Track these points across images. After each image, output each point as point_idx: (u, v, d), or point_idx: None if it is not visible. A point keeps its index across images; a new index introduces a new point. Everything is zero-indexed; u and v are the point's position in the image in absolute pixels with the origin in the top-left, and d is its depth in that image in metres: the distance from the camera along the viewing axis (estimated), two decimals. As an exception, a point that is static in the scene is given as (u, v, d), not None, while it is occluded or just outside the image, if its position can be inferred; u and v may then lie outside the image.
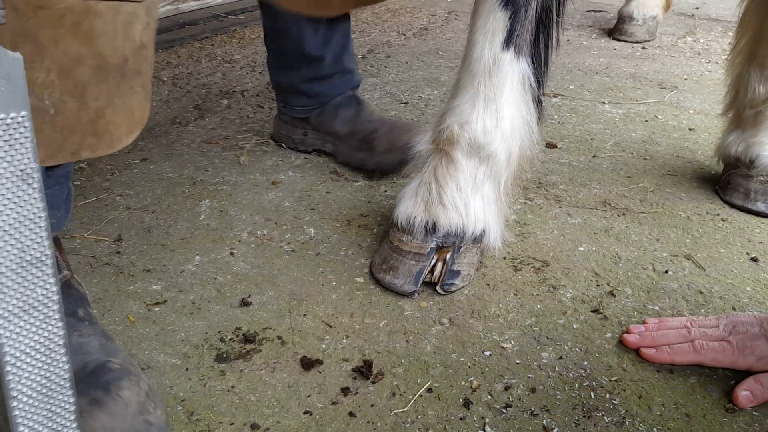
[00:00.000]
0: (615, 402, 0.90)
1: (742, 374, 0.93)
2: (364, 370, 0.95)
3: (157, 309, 1.09)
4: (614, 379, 0.94)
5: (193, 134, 1.76)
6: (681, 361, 0.95)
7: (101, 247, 1.24)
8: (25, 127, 0.54)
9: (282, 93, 1.63)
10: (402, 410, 0.89)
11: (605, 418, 0.88)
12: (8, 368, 0.56)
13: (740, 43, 1.43)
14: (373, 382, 0.93)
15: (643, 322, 1.02)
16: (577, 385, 0.93)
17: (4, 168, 0.53)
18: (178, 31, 2.75)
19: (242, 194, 1.45)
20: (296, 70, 1.56)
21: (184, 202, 1.42)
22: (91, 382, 0.81)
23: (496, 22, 1.05)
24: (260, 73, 2.28)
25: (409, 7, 3.29)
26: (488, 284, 1.16)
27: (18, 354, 0.57)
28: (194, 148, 1.68)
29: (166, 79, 2.21)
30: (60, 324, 0.59)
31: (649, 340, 0.98)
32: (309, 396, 0.91)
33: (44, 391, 0.59)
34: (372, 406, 0.90)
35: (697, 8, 3.27)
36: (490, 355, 0.99)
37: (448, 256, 1.13)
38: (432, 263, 1.14)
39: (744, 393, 0.89)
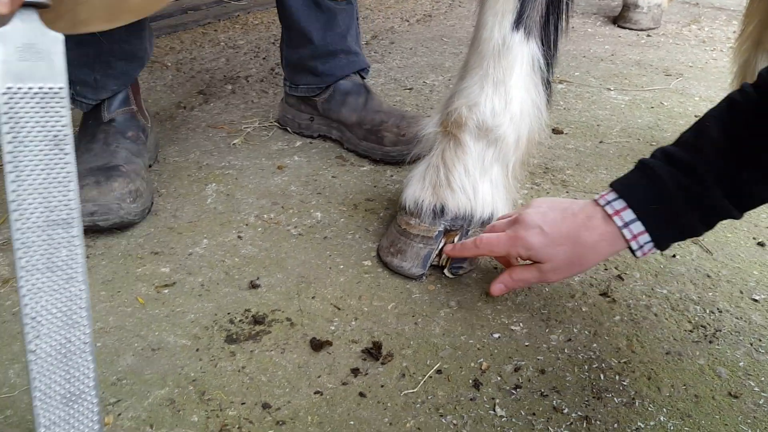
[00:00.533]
0: (624, 383, 0.91)
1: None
2: (374, 352, 0.95)
3: (166, 291, 1.09)
4: (623, 360, 0.95)
5: (198, 119, 1.76)
6: (466, 254, 1.05)
7: (110, 230, 1.24)
8: (61, 97, 0.60)
9: (289, 71, 1.63)
10: (412, 391, 0.89)
11: (615, 398, 0.88)
12: (27, 321, 0.57)
13: (747, 29, 1.43)
14: (382, 364, 0.94)
15: None
16: (586, 367, 0.94)
17: (39, 132, 0.56)
18: (180, 16, 2.74)
19: (248, 178, 1.45)
20: (301, 48, 1.56)
21: (191, 185, 1.41)
22: (102, 172, 1.23)
23: (506, 2, 1.04)
24: (264, 58, 2.27)
25: (413, -7, 3.27)
26: (496, 267, 1.16)
27: (39, 310, 0.58)
28: (199, 133, 1.67)
29: (169, 64, 2.20)
30: (83, 287, 0.61)
31: (458, 247, 1.06)
32: (319, 377, 0.91)
33: (63, 351, 0.60)
34: (382, 386, 0.90)
35: (702, -4, 3.26)
36: (499, 337, 1.00)
37: (457, 239, 1.13)
38: (440, 246, 1.14)
39: (497, 285, 1.00)
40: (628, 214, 0.84)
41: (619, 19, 2.72)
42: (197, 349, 0.96)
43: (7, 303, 1.04)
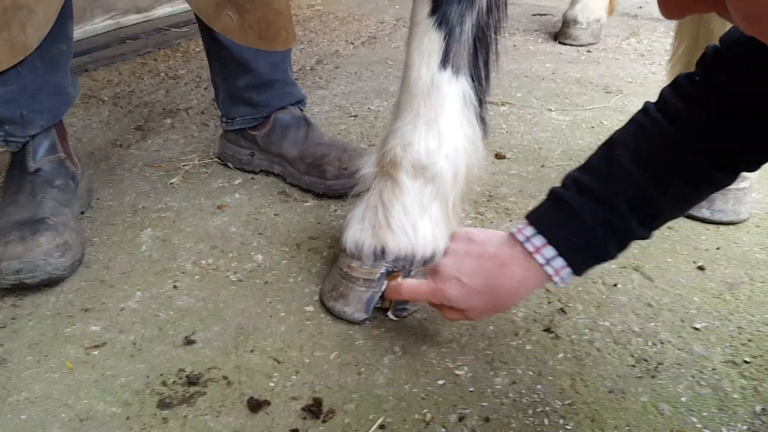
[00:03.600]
0: (568, 427, 0.89)
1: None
2: (314, 409, 0.92)
3: (96, 352, 1.04)
4: (567, 402, 0.94)
5: (135, 157, 1.70)
6: (392, 298, 1.07)
7: (37, 287, 1.18)
8: None
9: (225, 105, 1.59)
10: (354, 449, 0.86)
11: (559, 445, 0.87)
12: None
13: (678, 51, 1.45)
14: (323, 422, 0.91)
15: None
16: (530, 412, 0.92)
17: None
18: (118, 46, 2.67)
19: (186, 221, 1.40)
20: (237, 78, 1.52)
21: (125, 232, 1.36)
22: (28, 226, 1.18)
23: (431, 43, 1.03)
24: (205, 88, 2.22)
25: (358, 15, 3.27)
26: (440, 307, 1.14)
27: None
28: (136, 173, 1.62)
29: (106, 98, 2.13)
30: None
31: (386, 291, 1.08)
32: (257, 440, 0.88)
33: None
34: (323, 447, 0.87)
35: (641, 7, 3.33)
36: (443, 383, 0.98)
37: (400, 280, 1.11)
38: (383, 289, 1.11)
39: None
40: (549, 251, 0.84)
41: (560, 36, 2.76)
42: (128, 417, 0.92)
43: None
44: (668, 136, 0.80)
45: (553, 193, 0.86)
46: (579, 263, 0.84)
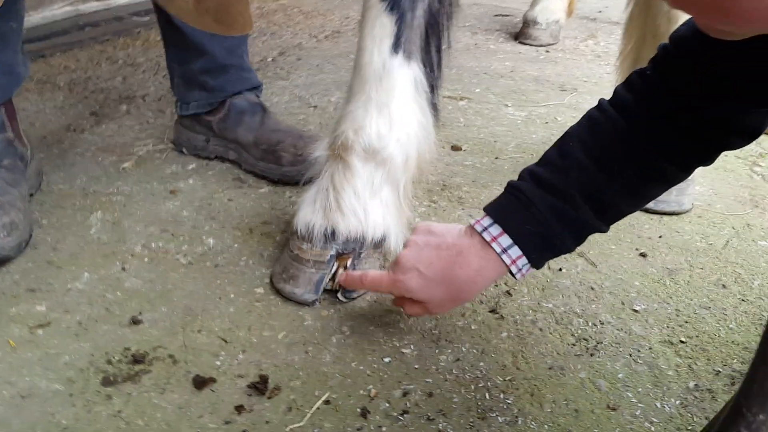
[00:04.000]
0: (509, 401, 0.92)
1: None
2: (260, 386, 0.92)
3: (40, 332, 1.02)
4: (508, 378, 0.96)
5: (88, 142, 1.68)
6: (354, 287, 1.07)
7: (-21, 267, 1.16)
8: None
9: (180, 90, 1.58)
10: (298, 425, 0.87)
11: (499, 418, 0.89)
12: None
13: (627, 48, 1.50)
14: (269, 398, 0.91)
15: None
16: (473, 387, 0.94)
17: None
18: (77, 33, 2.62)
19: (137, 205, 1.39)
20: (192, 62, 1.51)
21: (75, 215, 1.34)
22: None
23: (383, 27, 1.05)
24: (164, 76, 2.20)
25: (323, 9, 3.27)
26: (390, 289, 1.15)
27: None
28: (88, 157, 1.59)
29: (62, 84, 2.09)
30: None
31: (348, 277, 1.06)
32: (201, 416, 0.88)
33: None
34: (267, 423, 0.87)
35: (600, 12, 3.41)
36: (389, 361, 0.99)
37: (349, 262, 1.12)
38: (333, 270, 1.12)
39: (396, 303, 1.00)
40: (505, 240, 0.85)
41: (520, 36, 2.81)
42: (71, 394, 0.91)
43: None
44: (619, 130, 0.83)
45: (509, 186, 0.88)
46: (535, 253, 0.86)
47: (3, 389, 0.92)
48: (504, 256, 0.86)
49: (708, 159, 0.85)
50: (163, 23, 1.51)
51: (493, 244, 0.86)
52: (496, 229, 0.86)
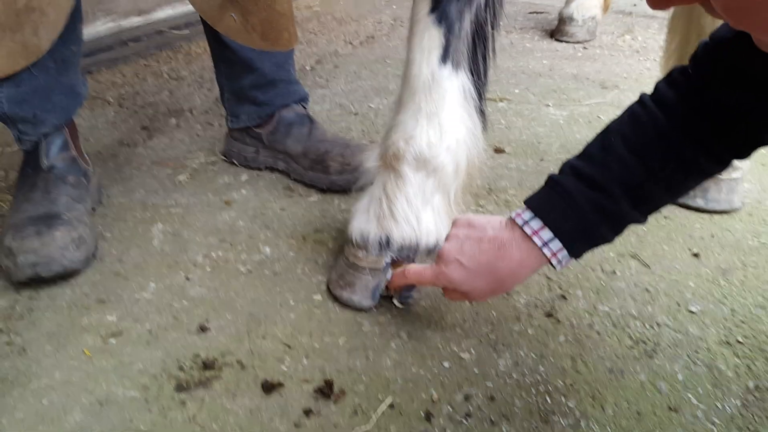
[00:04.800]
0: (570, 405, 0.93)
1: (687, 368, 0.97)
2: (326, 390, 0.96)
3: (113, 341, 1.07)
4: (569, 381, 0.97)
5: (142, 156, 1.74)
6: (399, 283, 1.08)
7: (53, 280, 1.21)
8: None
9: (230, 104, 1.63)
10: (365, 428, 0.90)
11: (562, 421, 0.91)
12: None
13: (671, 46, 1.49)
14: (335, 402, 0.94)
15: None
16: (533, 391, 0.96)
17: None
18: (120, 49, 2.70)
19: (195, 216, 1.44)
20: (241, 78, 1.56)
21: (136, 227, 1.40)
22: (43, 221, 1.22)
23: (432, 39, 1.07)
24: (208, 89, 2.26)
25: (355, 15, 3.30)
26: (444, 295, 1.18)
27: None
28: (144, 171, 1.65)
29: (111, 99, 2.17)
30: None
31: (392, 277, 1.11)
32: (271, 420, 0.91)
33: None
34: (335, 426, 0.90)
35: (635, 5, 3.38)
36: (449, 366, 1.01)
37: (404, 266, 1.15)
38: (388, 277, 1.15)
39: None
40: (546, 233, 0.87)
41: (556, 33, 2.80)
42: (146, 400, 0.95)
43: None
44: (660, 125, 0.84)
45: (550, 179, 0.90)
46: (575, 245, 0.88)
47: (82, 397, 0.97)
48: (545, 250, 0.88)
49: (743, 154, 0.86)
50: (212, 41, 1.56)
51: (534, 238, 0.88)
52: (537, 223, 0.88)
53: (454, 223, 1.00)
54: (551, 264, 0.89)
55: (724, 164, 0.87)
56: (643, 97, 0.88)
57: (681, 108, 0.84)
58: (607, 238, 0.88)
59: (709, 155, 0.84)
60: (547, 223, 0.87)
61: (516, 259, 0.90)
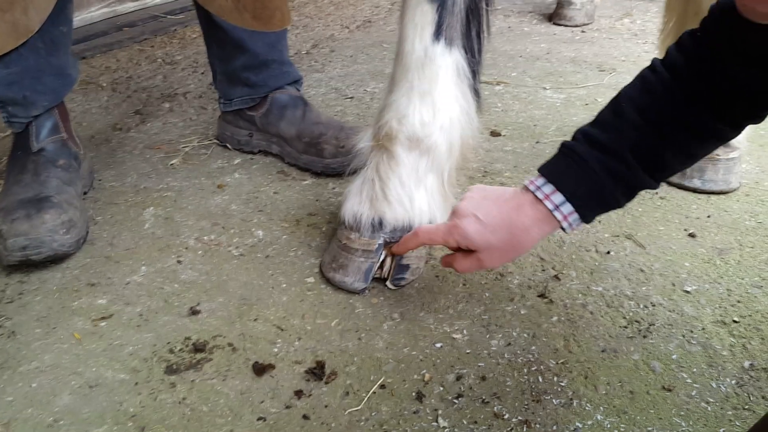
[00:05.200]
0: (562, 384, 0.93)
1: (681, 348, 0.96)
2: (317, 372, 0.95)
3: (103, 324, 1.07)
4: (561, 361, 0.97)
5: (135, 140, 1.72)
6: (410, 245, 1.04)
7: (43, 263, 1.20)
8: None
9: (222, 86, 1.61)
10: (356, 409, 0.89)
11: (554, 400, 0.90)
12: None
13: (668, 26, 1.47)
14: (326, 383, 0.94)
15: None
16: (525, 370, 0.95)
17: None
18: (115, 34, 2.68)
19: (188, 200, 1.42)
20: (234, 59, 1.54)
21: (128, 211, 1.38)
22: (33, 204, 1.20)
23: (424, 15, 1.05)
24: (202, 73, 2.24)
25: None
26: (437, 276, 1.17)
27: None
28: (136, 155, 1.64)
29: (105, 84, 2.15)
30: None
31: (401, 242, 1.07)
32: (262, 402, 0.91)
33: None
34: (326, 407, 0.90)
35: (634, -11, 3.34)
36: (441, 346, 1.01)
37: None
38: (381, 259, 1.14)
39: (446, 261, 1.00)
40: (558, 197, 0.86)
41: (554, 17, 2.77)
42: (136, 383, 0.95)
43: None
44: (672, 90, 0.83)
45: (563, 146, 0.89)
46: (587, 209, 0.87)
47: (71, 380, 0.96)
48: (556, 213, 0.87)
49: (758, 117, 0.84)
50: (204, 22, 1.54)
51: (546, 201, 0.87)
52: (548, 188, 0.87)
53: (469, 190, 0.98)
54: (561, 227, 0.88)
55: (739, 127, 0.85)
56: (654, 62, 0.87)
57: (690, 70, 0.82)
58: (620, 202, 0.87)
59: (723, 119, 0.83)
60: (560, 187, 0.87)
61: (531, 216, 0.89)
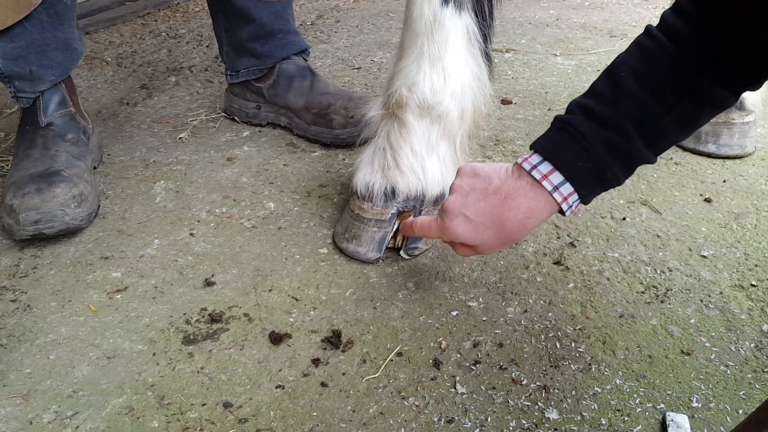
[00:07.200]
0: (581, 350, 0.92)
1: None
2: (334, 340, 0.95)
3: (118, 296, 1.07)
4: (578, 327, 0.96)
5: (143, 114, 1.71)
6: (407, 234, 1.04)
7: (56, 237, 1.20)
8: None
9: (228, 57, 1.59)
10: (373, 376, 0.90)
11: (572, 366, 0.90)
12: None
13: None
14: (343, 351, 0.94)
15: None
16: (543, 337, 0.95)
17: None
18: (118, 8, 2.65)
19: (198, 173, 1.42)
20: (239, 29, 1.52)
21: (139, 185, 1.38)
22: (43, 179, 1.19)
23: None
24: (207, 46, 2.22)
25: (356, -31, 3.22)
26: (451, 245, 1.16)
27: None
28: (144, 129, 1.63)
29: (109, 59, 2.13)
30: None
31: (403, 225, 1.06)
32: (280, 370, 0.91)
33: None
34: (344, 374, 0.90)
35: (643, -46, 3.28)
36: (457, 314, 1.00)
37: (411, 218, 1.13)
38: (394, 228, 1.13)
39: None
40: (556, 177, 0.82)
41: (563, -17, 2.72)
42: (154, 354, 0.95)
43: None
44: (671, 55, 0.79)
45: (557, 120, 0.85)
46: (586, 189, 0.83)
47: (89, 351, 0.96)
48: (555, 194, 0.82)
49: (757, 83, 0.81)
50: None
51: (544, 183, 0.82)
52: (546, 167, 0.82)
53: (458, 173, 0.95)
54: (561, 210, 0.85)
55: (737, 93, 0.82)
56: (650, 29, 0.83)
57: (690, 35, 0.79)
58: (619, 180, 0.84)
59: (724, 84, 0.79)
60: (558, 165, 0.82)
61: (524, 208, 0.85)
